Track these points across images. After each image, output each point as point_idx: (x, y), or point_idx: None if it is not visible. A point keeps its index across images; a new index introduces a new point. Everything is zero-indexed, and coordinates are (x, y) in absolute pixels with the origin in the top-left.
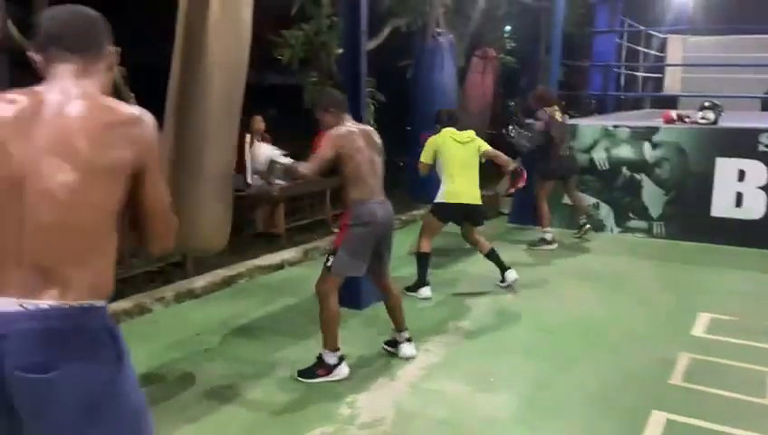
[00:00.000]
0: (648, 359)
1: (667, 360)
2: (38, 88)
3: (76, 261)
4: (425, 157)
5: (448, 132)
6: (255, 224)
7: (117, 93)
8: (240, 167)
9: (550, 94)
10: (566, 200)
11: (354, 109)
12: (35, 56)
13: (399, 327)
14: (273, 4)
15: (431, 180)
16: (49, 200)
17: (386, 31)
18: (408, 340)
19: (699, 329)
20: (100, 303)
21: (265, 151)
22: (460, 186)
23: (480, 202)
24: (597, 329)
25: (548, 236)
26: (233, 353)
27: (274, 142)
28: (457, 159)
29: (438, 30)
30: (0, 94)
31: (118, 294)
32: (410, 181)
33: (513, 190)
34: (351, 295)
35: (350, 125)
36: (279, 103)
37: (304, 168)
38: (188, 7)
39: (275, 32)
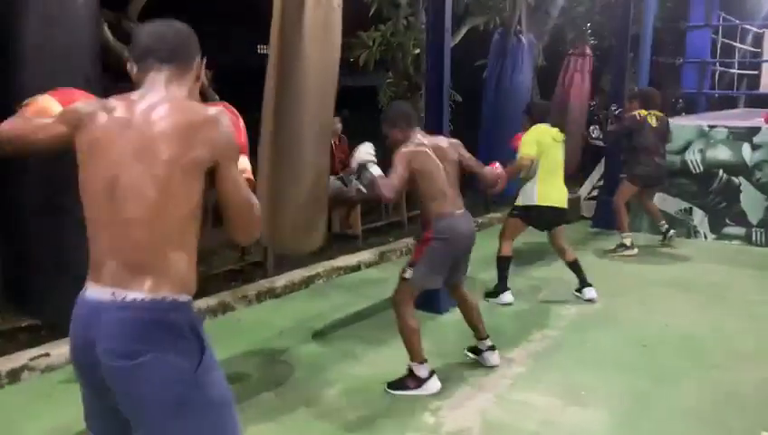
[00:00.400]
0: (755, 377)
1: None
2: (132, 95)
3: (162, 256)
4: (528, 149)
5: (544, 128)
6: (332, 224)
7: (203, 96)
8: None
9: (653, 96)
10: (663, 206)
11: (437, 109)
12: (131, 66)
13: (480, 335)
14: (349, 7)
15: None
16: (138, 198)
17: (463, 30)
18: (492, 348)
19: None
20: (184, 297)
21: (363, 151)
22: (556, 187)
23: (566, 206)
24: (696, 343)
25: (627, 241)
26: (313, 356)
27: (349, 144)
28: (554, 157)
29: (519, 28)
30: (100, 100)
31: (201, 292)
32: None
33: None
34: (430, 300)
35: (419, 139)
36: (352, 105)
37: (386, 189)
38: (283, 14)
39: (352, 34)
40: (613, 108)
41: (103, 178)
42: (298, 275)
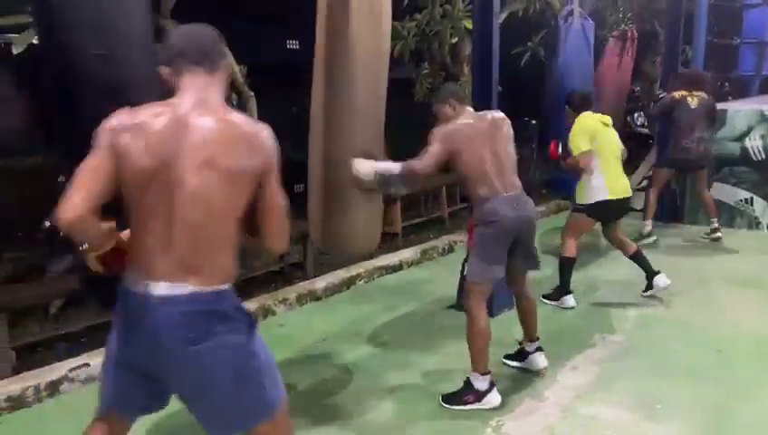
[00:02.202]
0: None
1: None
2: (175, 100)
3: (211, 253)
4: (584, 143)
5: (591, 116)
6: None
7: (237, 92)
8: None
9: (696, 77)
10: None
11: (485, 93)
12: (164, 69)
13: (531, 336)
14: None
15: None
16: (193, 201)
17: (502, 16)
18: (539, 349)
19: None
20: (226, 286)
21: (363, 169)
22: (619, 178)
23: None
24: None
25: (645, 230)
26: (360, 363)
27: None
28: (611, 145)
29: (579, 10)
30: (146, 107)
31: (242, 294)
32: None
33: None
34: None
35: (467, 117)
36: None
37: (419, 165)
38: (330, 5)
39: None
40: (659, 93)
41: (157, 181)
42: (339, 276)
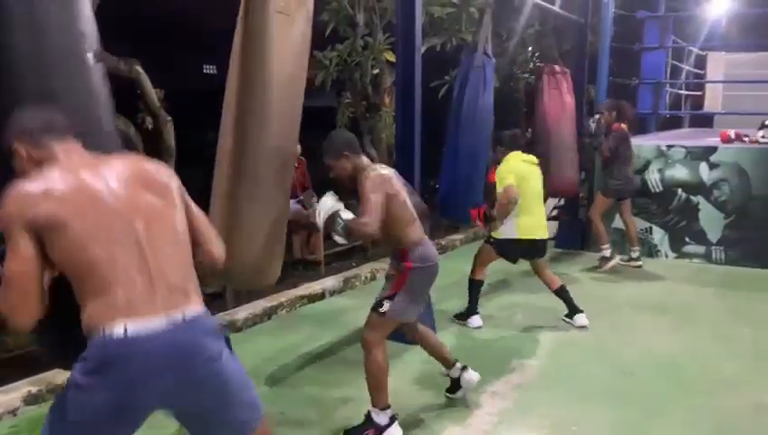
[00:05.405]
0: (743, 404)
1: (763, 404)
2: (61, 163)
3: (189, 274)
4: (509, 180)
5: (519, 156)
6: (293, 250)
7: (153, 115)
8: None
9: (627, 110)
10: (617, 224)
11: (408, 128)
12: (21, 147)
13: (449, 363)
14: None
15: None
16: (154, 228)
17: (422, 49)
18: (465, 368)
19: None
20: (204, 308)
21: (329, 202)
22: (539, 219)
23: (547, 236)
24: (680, 368)
25: (607, 253)
26: (283, 397)
27: (308, 165)
28: (536, 187)
29: (486, 49)
30: (36, 177)
31: None
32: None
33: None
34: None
35: (371, 164)
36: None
37: (367, 228)
38: (245, 29)
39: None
40: (591, 121)
41: (119, 231)
42: (260, 305)
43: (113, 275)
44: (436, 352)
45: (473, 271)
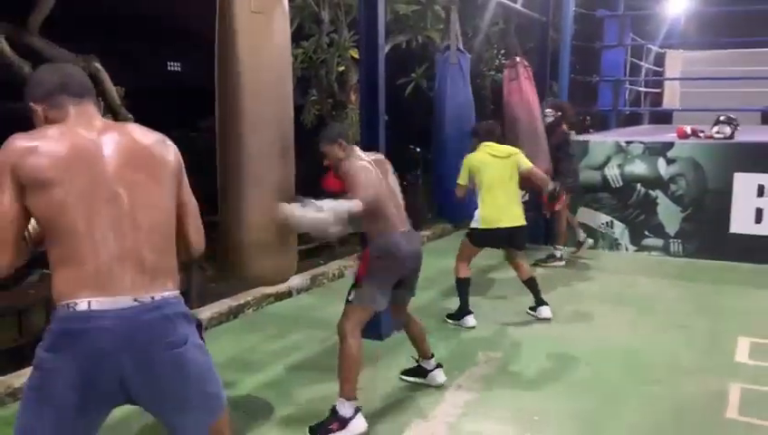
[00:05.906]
0: (698, 391)
1: (718, 391)
2: (68, 123)
3: (168, 255)
4: (461, 178)
5: (487, 148)
6: None
7: (114, 113)
8: None
9: (569, 110)
10: (581, 217)
11: (372, 125)
12: (36, 105)
13: (426, 355)
14: None
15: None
16: (138, 205)
17: (387, 47)
18: (439, 366)
19: (743, 355)
20: (178, 292)
21: (309, 214)
22: (500, 208)
23: (523, 222)
24: (637, 358)
25: (558, 253)
26: (246, 395)
27: None
28: (496, 177)
29: (459, 46)
30: (39, 131)
31: None
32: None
33: (547, 212)
34: (372, 325)
35: (360, 154)
36: None
37: (356, 204)
38: (223, 33)
39: None
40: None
41: (101, 203)
42: (225, 304)
43: (87, 247)
44: (418, 340)
45: (456, 269)
